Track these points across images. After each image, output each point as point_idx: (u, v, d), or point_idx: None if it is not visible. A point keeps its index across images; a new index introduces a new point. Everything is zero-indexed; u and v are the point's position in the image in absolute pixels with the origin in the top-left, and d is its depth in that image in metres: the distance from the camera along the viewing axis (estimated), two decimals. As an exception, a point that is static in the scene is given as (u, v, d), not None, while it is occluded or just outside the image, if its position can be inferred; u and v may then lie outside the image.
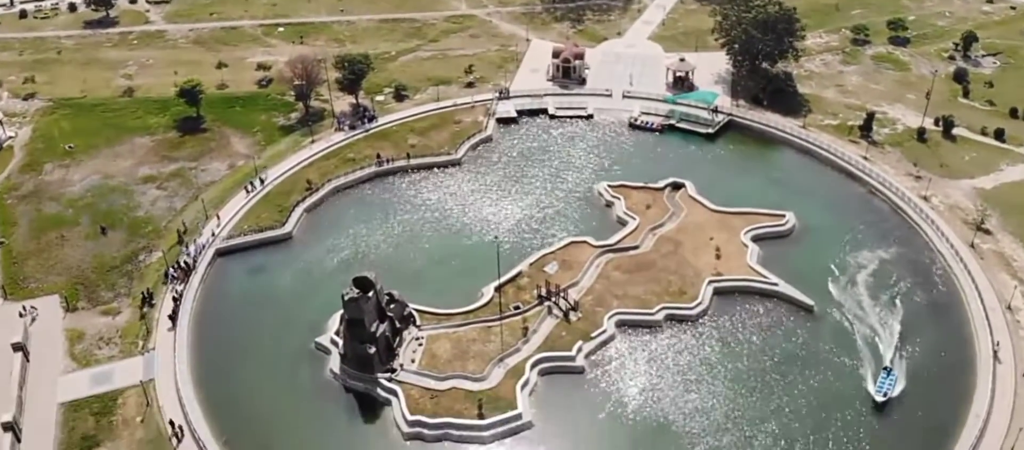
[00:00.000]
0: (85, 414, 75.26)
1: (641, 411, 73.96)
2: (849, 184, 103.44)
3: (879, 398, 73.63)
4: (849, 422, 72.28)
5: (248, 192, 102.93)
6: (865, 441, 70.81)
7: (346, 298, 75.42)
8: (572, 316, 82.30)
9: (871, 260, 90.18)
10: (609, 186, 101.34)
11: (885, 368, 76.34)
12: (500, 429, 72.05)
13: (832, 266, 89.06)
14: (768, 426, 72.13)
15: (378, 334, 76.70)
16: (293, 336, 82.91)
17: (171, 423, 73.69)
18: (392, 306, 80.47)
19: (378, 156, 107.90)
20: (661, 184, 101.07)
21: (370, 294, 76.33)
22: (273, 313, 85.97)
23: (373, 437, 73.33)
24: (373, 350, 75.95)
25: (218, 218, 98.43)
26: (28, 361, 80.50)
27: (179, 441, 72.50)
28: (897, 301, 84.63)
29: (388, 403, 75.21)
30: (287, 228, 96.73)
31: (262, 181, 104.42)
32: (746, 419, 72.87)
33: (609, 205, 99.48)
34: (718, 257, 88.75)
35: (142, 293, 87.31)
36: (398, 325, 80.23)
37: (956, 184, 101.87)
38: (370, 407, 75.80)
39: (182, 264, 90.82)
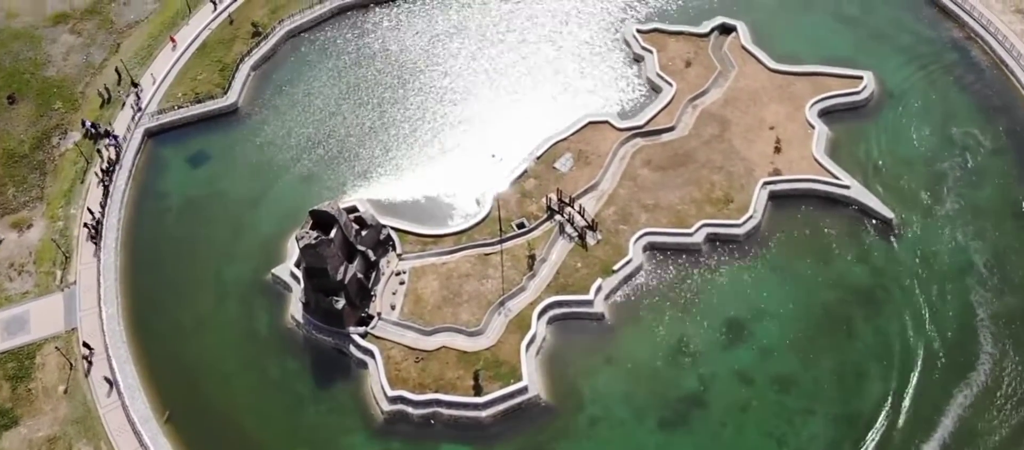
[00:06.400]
0: (-2, 378, 62.21)
1: (673, 375, 59.96)
2: (941, 23, 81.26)
3: None
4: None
5: (216, 7, 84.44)
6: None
7: (302, 244, 58.92)
8: (589, 238, 65.94)
9: (963, 145, 71.12)
10: (639, 31, 79.85)
11: None
12: (501, 407, 58.69)
13: (914, 155, 70.79)
14: (822, 405, 58.61)
15: (347, 280, 61.03)
16: (245, 260, 67.49)
17: (85, 345, 61.97)
18: (364, 234, 64.04)
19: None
20: (706, 27, 79.61)
21: (332, 234, 59.71)
22: (220, 226, 69.83)
23: (347, 414, 59.81)
24: (342, 304, 60.69)
25: (173, 42, 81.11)
26: (-75, 300, 66.07)
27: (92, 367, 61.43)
28: (987, 213, 66.81)
29: (363, 365, 61.41)
30: (231, 97, 77.17)
31: None
32: (795, 387, 59.16)
33: (639, 60, 78.82)
34: (777, 150, 70.15)
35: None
36: (373, 257, 64.28)
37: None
38: (342, 370, 61.87)
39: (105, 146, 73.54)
